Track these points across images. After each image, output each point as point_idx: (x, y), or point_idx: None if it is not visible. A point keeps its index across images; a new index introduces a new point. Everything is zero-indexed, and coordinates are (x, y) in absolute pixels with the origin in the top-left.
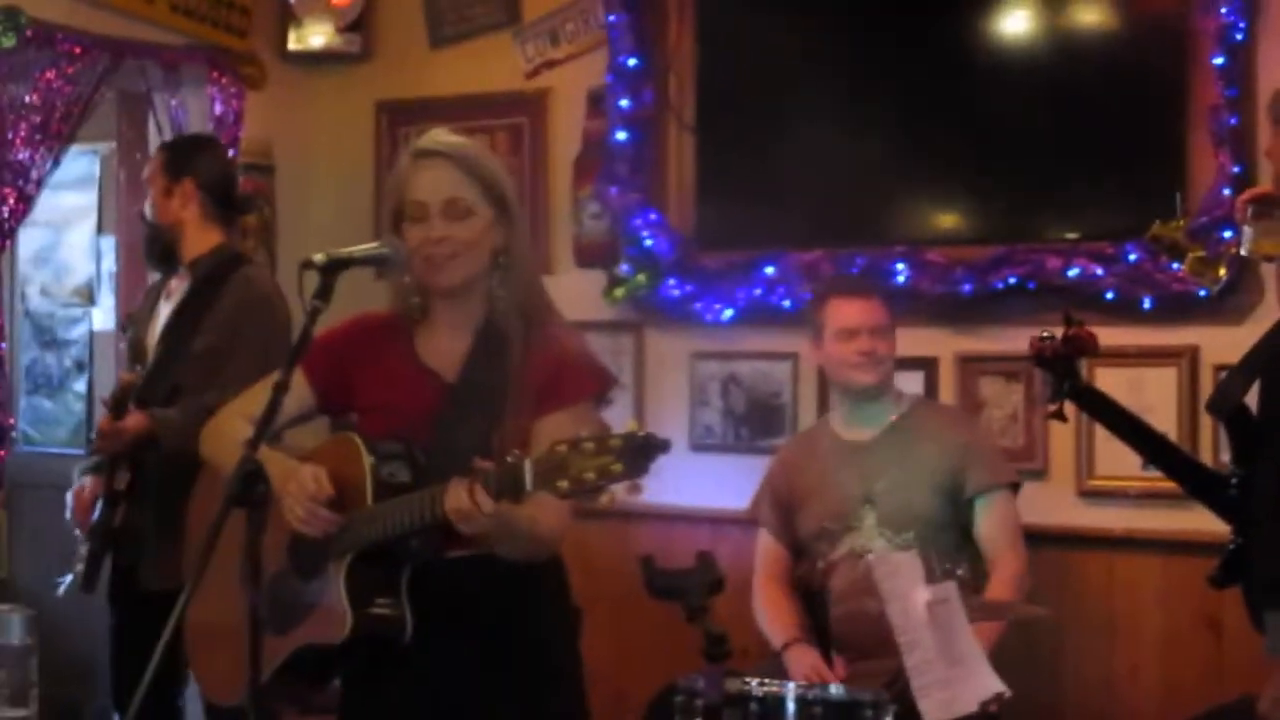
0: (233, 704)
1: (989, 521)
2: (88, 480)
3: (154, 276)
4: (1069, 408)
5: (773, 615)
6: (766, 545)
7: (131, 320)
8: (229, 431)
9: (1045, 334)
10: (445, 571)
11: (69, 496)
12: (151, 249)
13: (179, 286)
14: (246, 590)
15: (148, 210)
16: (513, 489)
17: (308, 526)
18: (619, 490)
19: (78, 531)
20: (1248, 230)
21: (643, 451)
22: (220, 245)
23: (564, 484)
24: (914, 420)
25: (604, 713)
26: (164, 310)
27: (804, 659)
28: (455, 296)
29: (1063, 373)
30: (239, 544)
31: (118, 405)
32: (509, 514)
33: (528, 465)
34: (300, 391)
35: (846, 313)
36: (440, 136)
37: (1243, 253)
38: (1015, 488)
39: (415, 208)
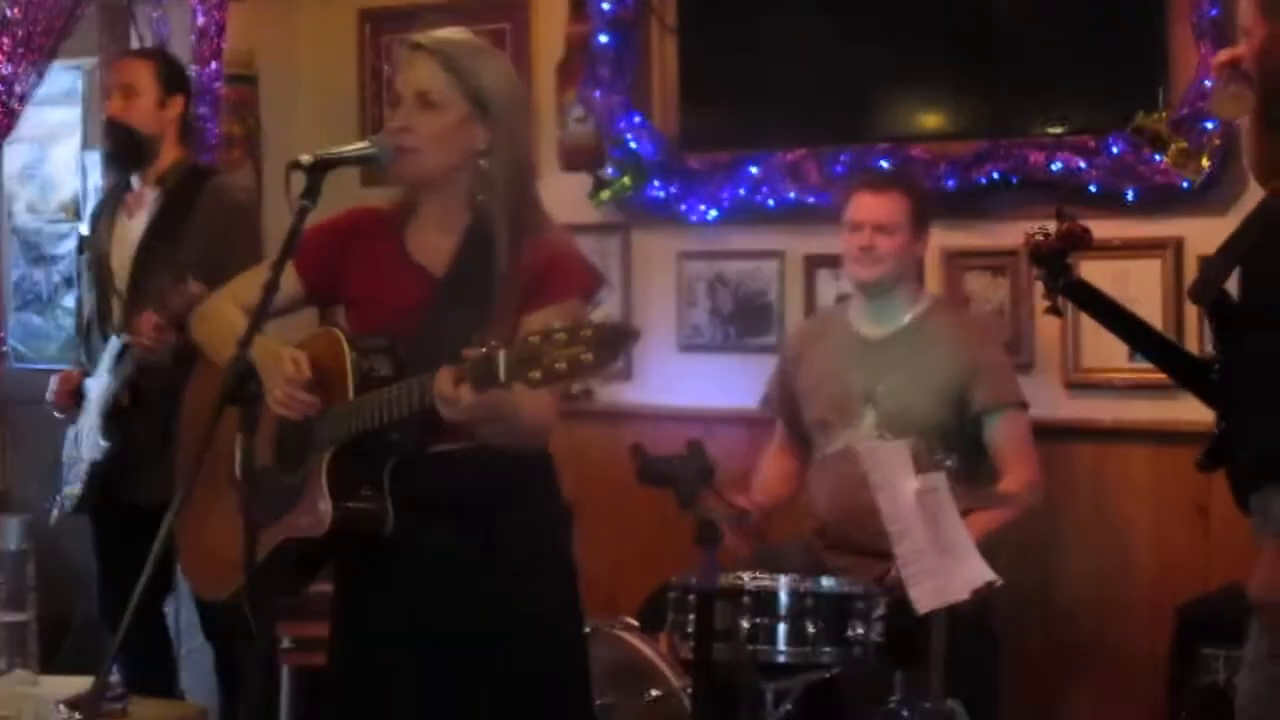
0: (222, 598)
1: (999, 436)
2: (73, 369)
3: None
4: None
5: (761, 482)
6: (778, 430)
7: (89, 242)
8: (222, 317)
9: (1038, 229)
10: (430, 464)
11: (52, 380)
12: (127, 154)
13: (140, 201)
14: (237, 487)
15: (126, 115)
16: (487, 378)
17: (286, 409)
18: (597, 385)
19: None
20: (1217, 91)
21: (612, 340)
22: (184, 158)
23: (536, 374)
24: (928, 325)
25: (598, 612)
26: (131, 226)
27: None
28: (427, 190)
29: (1057, 268)
30: (227, 442)
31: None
32: (495, 401)
33: (502, 356)
34: (290, 281)
35: (856, 206)
36: (439, 32)
37: (1209, 110)
38: (1023, 408)
39: (393, 98)
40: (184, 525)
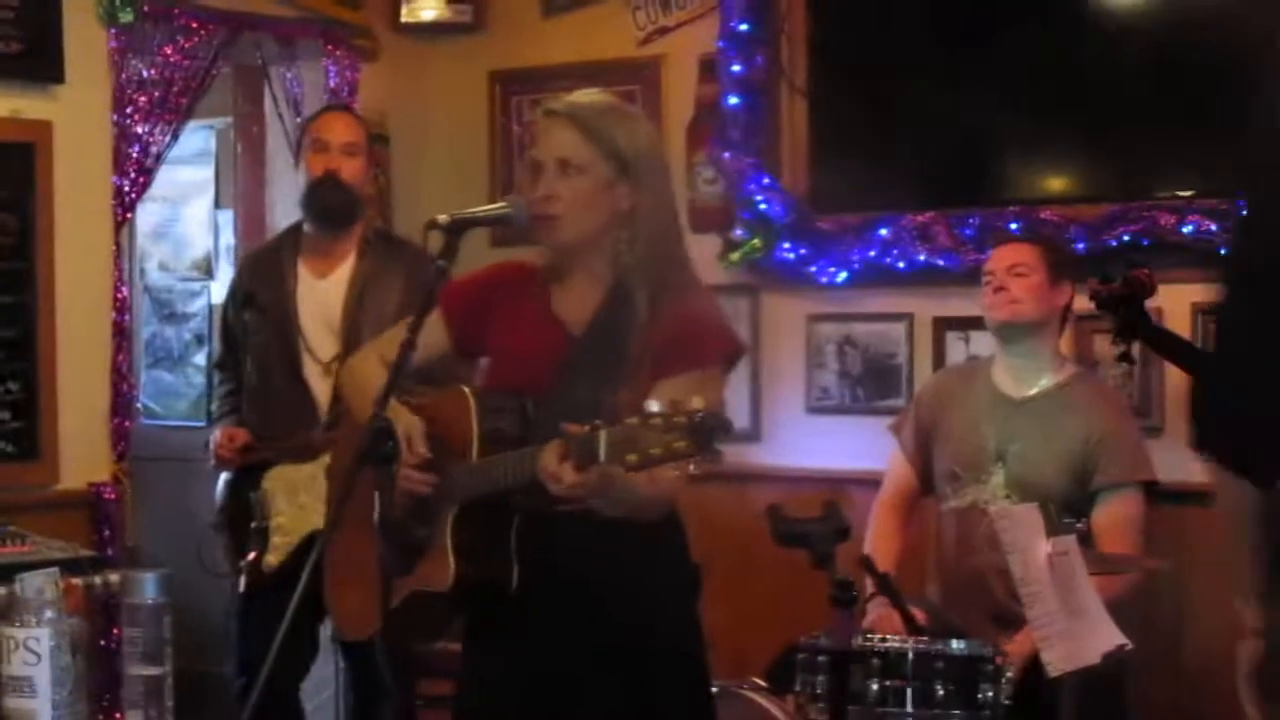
0: (362, 638)
1: (1105, 516)
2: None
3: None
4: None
5: (874, 544)
6: (897, 468)
7: (261, 296)
8: (365, 375)
9: (1104, 277)
10: (556, 525)
11: (217, 434)
12: (343, 212)
13: (333, 261)
14: (376, 538)
15: (346, 173)
16: (588, 457)
17: (404, 485)
18: (715, 457)
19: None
20: None
21: (707, 430)
22: (376, 223)
23: (633, 458)
24: (1068, 393)
25: (725, 672)
26: (324, 287)
27: (877, 614)
28: (573, 254)
29: (1129, 316)
30: (371, 489)
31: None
32: (600, 481)
33: (603, 436)
34: (436, 334)
35: (991, 258)
36: (573, 96)
37: None
38: (1151, 487)
39: (533, 166)
40: (332, 568)
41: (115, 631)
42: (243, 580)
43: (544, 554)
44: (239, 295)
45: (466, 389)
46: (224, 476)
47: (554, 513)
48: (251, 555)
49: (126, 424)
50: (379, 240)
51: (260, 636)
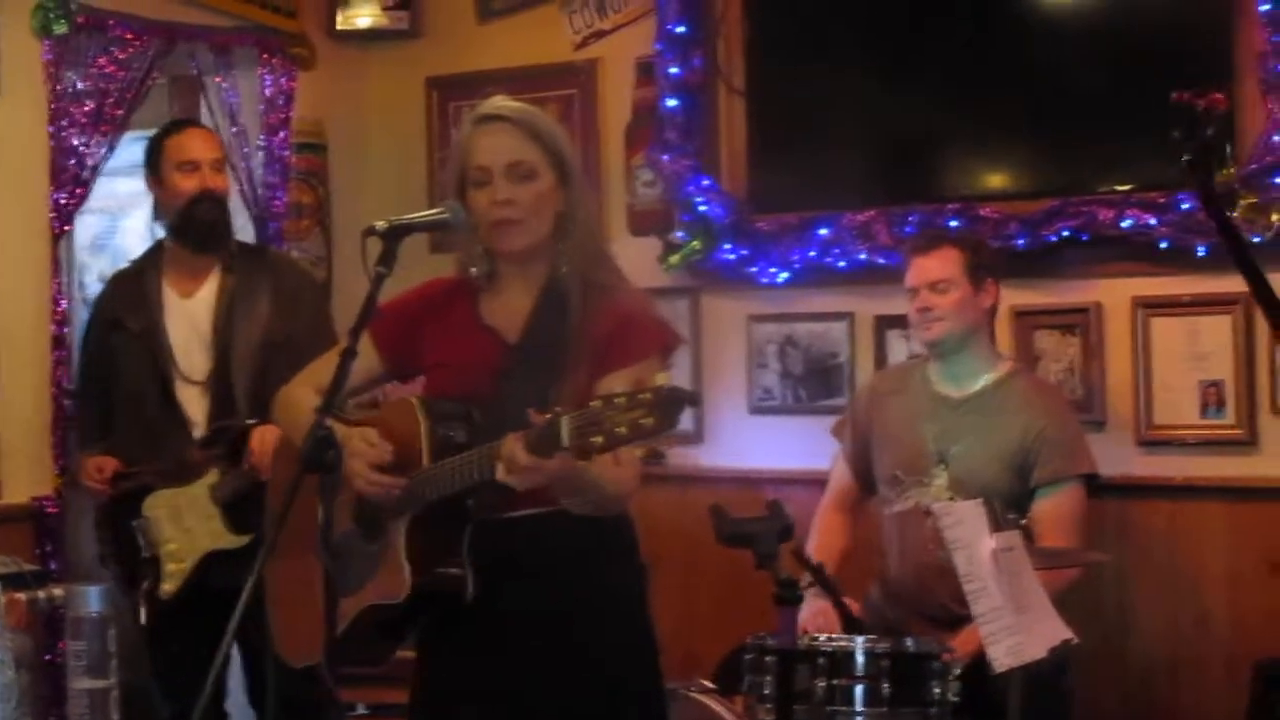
0: (310, 664)
1: (1046, 511)
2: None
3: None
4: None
5: (816, 544)
6: (839, 471)
7: (126, 318)
8: (299, 401)
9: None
10: (509, 529)
11: (88, 464)
12: (224, 230)
13: (197, 278)
14: (319, 554)
15: (223, 190)
16: (550, 445)
17: (370, 490)
18: (666, 448)
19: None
20: None
21: (672, 404)
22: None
23: (599, 439)
24: (1002, 391)
25: (673, 673)
26: (191, 306)
27: (812, 605)
28: (522, 261)
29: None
30: (312, 509)
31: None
32: (569, 470)
33: (565, 422)
34: (369, 358)
35: (909, 271)
36: (501, 102)
37: None
38: (1091, 481)
39: (479, 172)
40: (272, 589)
41: (60, 645)
42: (143, 613)
43: (499, 557)
44: (105, 320)
45: (413, 399)
46: (98, 508)
47: (508, 517)
48: (145, 586)
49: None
50: (242, 253)
51: (176, 664)
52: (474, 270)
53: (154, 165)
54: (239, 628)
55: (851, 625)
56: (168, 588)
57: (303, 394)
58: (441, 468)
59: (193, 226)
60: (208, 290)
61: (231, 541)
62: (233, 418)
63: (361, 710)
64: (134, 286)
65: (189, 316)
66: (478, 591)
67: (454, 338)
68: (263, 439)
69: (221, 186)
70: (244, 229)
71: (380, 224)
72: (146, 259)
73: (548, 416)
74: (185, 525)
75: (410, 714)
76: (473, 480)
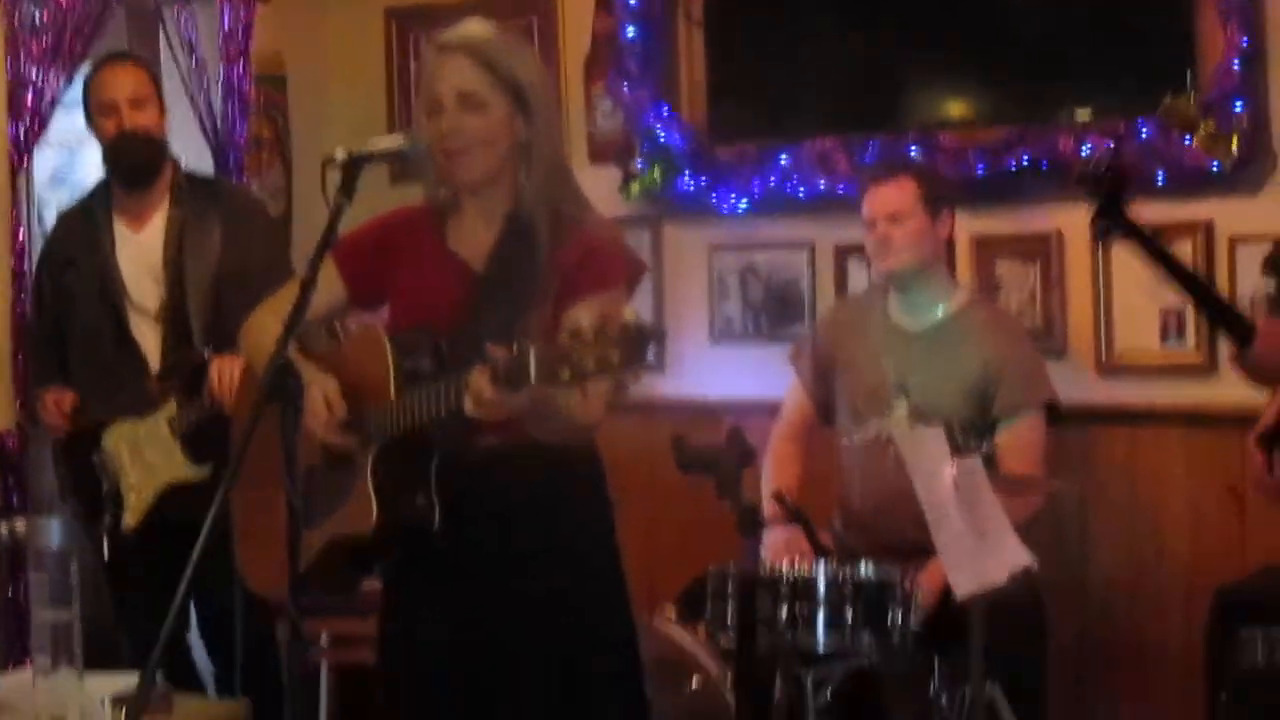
0: (277, 596)
1: (1007, 440)
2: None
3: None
4: None
5: (775, 474)
6: (796, 399)
7: (81, 257)
8: (262, 328)
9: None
10: (477, 461)
11: (46, 398)
12: (153, 168)
13: (146, 213)
14: (283, 485)
15: (147, 126)
16: (518, 378)
17: (329, 440)
18: (631, 379)
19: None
20: None
21: (638, 339)
22: (179, 167)
23: (566, 373)
24: (961, 321)
25: (637, 605)
26: (141, 240)
27: (781, 536)
28: (478, 190)
29: (1102, 194)
30: (276, 440)
31: None
32: (537, 402)
33: (532, 355)
34: (333, 287)
35: (867, 202)
36: (463, 29)
37: None
38: (1052, 410)
39: (432, 102)
40: (238, 523)
41: (21, 577)
42: (105, 548)
43: (467, 490)
44: (56, 260)
45: (379, 329)
46: (55, 443)
47: (475, 449)
48: (106, 520)
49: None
50: (190, 184)
51: (138, 599)
52: (440, 194)
53: (84, 106)
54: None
55: (823, 554)
56: (129, 520)
57: (268, 322)
58: (410, 398)
59: (119, 169)
60: (156, 223)
61: (191, 473)
62: (189, 350)
63: (324, 642)
64: (83, 224)
65: (139, 250)
66: (444, 524)
67: (420, 266)
68: (222, 371)
69: (144, 122)
70: (204, 162)
71: (339, 154)
72: (95, 195)
73: (515, 349)
74: (144, 458)
75: (378, 647)
76: (440, 413)
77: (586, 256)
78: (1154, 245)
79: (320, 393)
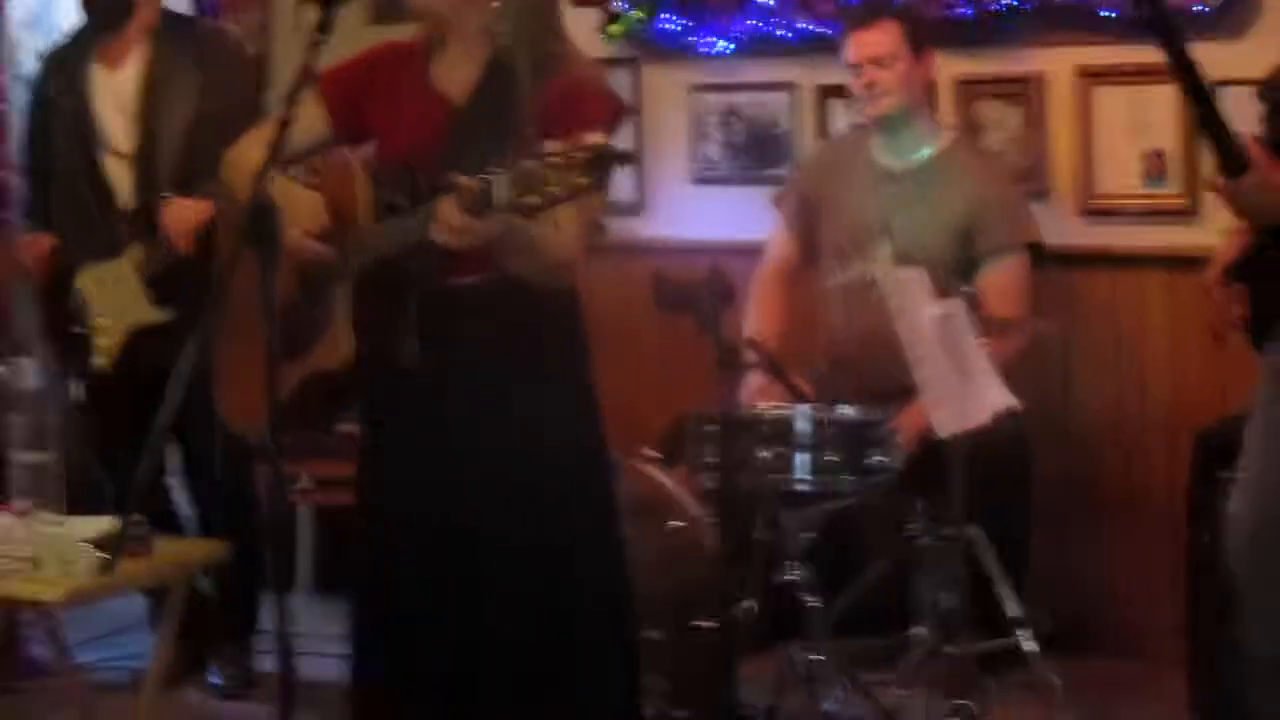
0: (256, 432)
1: (990, 280)
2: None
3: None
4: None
5: (757, 317)
6: (779, 240)
7: (62, 97)
8: (247, 158)
9: None
10: (453, 299)
11: (19, 243)
12: (118, 7)
13: (124, 52)
14: (262, 319)
15: None
16: (486, 204)
17: (303, 253)
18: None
19: None
20: None
21: (605, 162)
22: (161, 6)
23: (534, 198)
24: (944, 162)
25: (617, 446)
26: (118, 79)
27: (757, 382)
28: (447, 20)
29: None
30: (255, 277)
31: None
32: (506, 230)
33: (500, 181)
34: (317, 121)
35: (850, 47)
36: None
37: None
38: (1035, 250)
39: None
40: (220, 363)
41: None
42: (80, 389)
43: (443, 328)
44: (40, 100)
45: (354, 161)
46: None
47: (452, 285)
48: (80, 363)
49: (4, 216)
50: (169, 24)
51: (116, 442)
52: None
53: None
54: (178, 408)
55: (799, 401)
56: (100, 361)
57: (252, 152)
58: (383, 228)
59: (92, 8)
60: (133, 64)
61: (155, 315)
62: (156, 193)
63: (305, 483)
64: (66, 62)
65: (115, 91)
66: (421, 360)
67: (402, 101)
68: (178, 215)
69: None
70: (182, 2)
71: None
72: (77, 35)
73: (483, 176)
74: (112, 300)
75: (358, 489)
76: (409, 240)
77: (566, 95)
78: (1181, 48)
79: (304, 202)
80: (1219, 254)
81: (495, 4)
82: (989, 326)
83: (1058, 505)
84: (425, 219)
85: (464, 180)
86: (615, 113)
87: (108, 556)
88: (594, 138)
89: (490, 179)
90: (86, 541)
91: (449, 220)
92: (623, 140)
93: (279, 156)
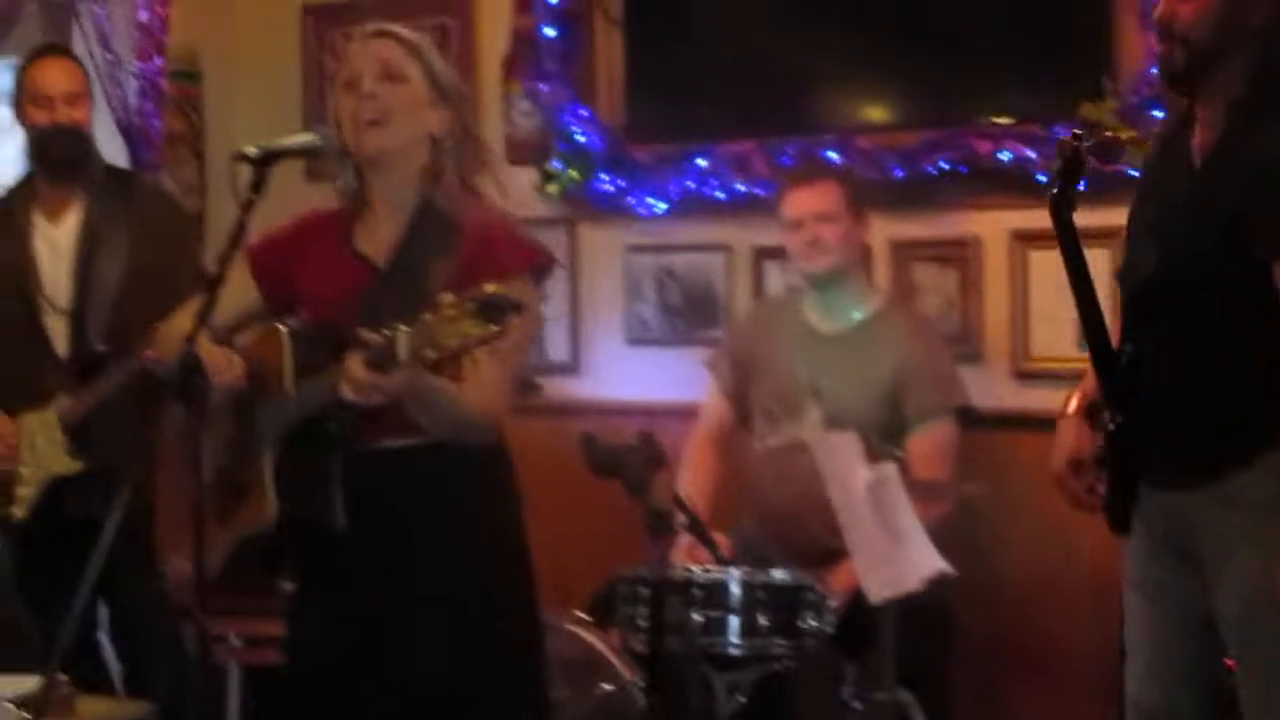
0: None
1: (919, 444)
2: None
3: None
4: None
5: (689, 479)
6: (713, 402)
7: None
8: (177, 327)
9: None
10: (379, 461)
11: None
12: (85, 162)
13: (64, 205)
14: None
15: (85, 122)
16: (387, 360)
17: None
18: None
19: None
20: None
21: (493, 309)
22: (101, 159)
23: (431, 353)
24: (875, 325)
25: (548, 606)
26: (58, 233)
27: (686, 542)
28: (383, 170)
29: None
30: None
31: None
32: (414, 386)
33: (402, 337)
34: (249, 292)
35: (793, 203)
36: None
37: None
38: (965, 413)
39: (351, 77)
40: (162, 511)
41: None
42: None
43: (370, 490)
44: None
45: (280, 326)
46: None
47: (378, 448)
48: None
49: None
50: (108, 180)
51: (45, 596)
52: (351, 184)
53: (15, 96)
54: (104, 569)
55: (722, 564)
56: (17, 512)
57: (183, 322)
58: (300, 389)
59: (46, 161)
60: (72, 218)
61: (71, 466)
62: (86, 346)
63: (235, 642)
64: (4, 215)
65: (55, 244)
66: (349, 522)
67: (326, 267)
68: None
69: (78, 119)
70: (118, 157)
71: (251, 150)
72: (19, 187)
73: (385, 332)
74: (36, 447)
75: (286, 647)
76: (322, 399)
77: (487, 245)
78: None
79: (224, 357)
80: (1061, 443)
81: (432, 160)
82: (916, 490)
83: (986, 664)
84: (335, 377)
85: (368, 335)
86: (539, 262)
87: (28, 718)
88: (491, 287)
89: (393, 334)
90: (8, 702)
91: (355, 376)
92: (558, 300)
93: (209, 312)
